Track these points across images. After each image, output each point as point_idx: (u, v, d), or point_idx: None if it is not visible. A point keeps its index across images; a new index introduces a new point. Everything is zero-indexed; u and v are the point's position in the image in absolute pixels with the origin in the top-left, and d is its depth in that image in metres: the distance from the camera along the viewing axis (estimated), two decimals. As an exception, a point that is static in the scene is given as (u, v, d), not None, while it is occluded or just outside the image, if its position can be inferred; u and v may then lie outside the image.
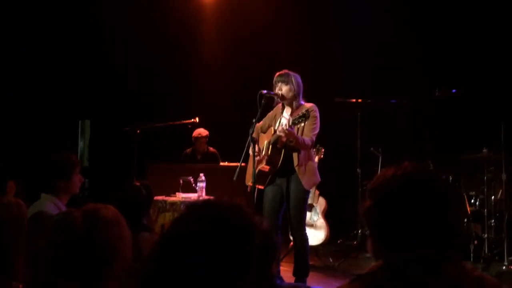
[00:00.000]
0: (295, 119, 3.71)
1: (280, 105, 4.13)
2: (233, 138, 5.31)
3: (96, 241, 1.53)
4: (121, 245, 1.58)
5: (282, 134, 3.71)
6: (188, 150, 6.46)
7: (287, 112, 4.06)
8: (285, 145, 3.88)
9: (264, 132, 4.18)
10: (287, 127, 3.69)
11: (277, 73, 4.04)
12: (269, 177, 4.00)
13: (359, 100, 5.86)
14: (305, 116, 3.67)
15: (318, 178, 4.06)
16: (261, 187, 4.02)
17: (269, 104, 4.14)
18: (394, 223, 1.26)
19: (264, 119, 4.18)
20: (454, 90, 5.38)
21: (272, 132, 4.00)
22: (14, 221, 1.79)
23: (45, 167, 2.67)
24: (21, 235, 1.82)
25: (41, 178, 2.66)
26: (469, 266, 1.31)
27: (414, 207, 1.25)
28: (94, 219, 1.56)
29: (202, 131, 6.34)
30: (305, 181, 3.91)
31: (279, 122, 4.05)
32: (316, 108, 3.93)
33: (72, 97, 7.63)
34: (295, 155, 3.91)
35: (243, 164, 3.93)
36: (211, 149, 6.43)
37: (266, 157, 3.98)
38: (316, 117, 3.90)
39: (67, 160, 2.71)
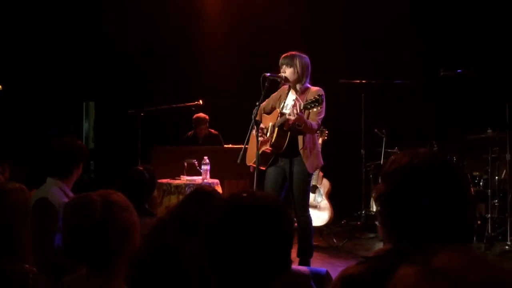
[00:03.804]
0: (307, 104, 3.67)
1: (286, 86, 4.11)
2: (237, 120, 5.31)
3: (111, 226, 1.57)
4: (132, 229, 1.62)
5: (291, 117, 3.67)
6: (190, 133, 6.44)
7: (292, 95, 4.05)
8: (291, 128, 3.88)
9: (268, 113, 4.16)
10: (298, 111, 3.64)
11: (283, 55, 4.00)
12: (272, 158, 4.01)
13: (363, 81, 5.84)
14: (318, 102, 3.63)
15: (321, 161, 4.09)
16: (263, 168, 4.02)
17: (273, 86, 4.12)
18: (409, 211, 1.24)
19: (267, 100, 4.16)
20: (459, 70, 5.34)
21: (278, 114, 3.97)
22: (20, 205, 1.82)
23: (61, 152, 2.68)
24: (26, 219, 1.85)
25: (57, 163, 2.66)
26: (477, 253, 1.31)
27: (430, 196, 1.23)
28: (110, 204, 1.59)
29: (201, 116, 6.31)
30: (309, 164, 3.92)
31: (284, 104, 4.04)
32: (323, 92, 3.90)
33: (77, 79, 7.64)
34: (300, 138, 3.92)
35: (246, 146, 3.94)
36: (212, 131, 6.41)
37: (271, 139, 3.97)
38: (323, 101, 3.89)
39: (80, 146, 2.77)
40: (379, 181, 1.33)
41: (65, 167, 2.64)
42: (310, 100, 3.69)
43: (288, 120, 3.76)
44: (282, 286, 1.20)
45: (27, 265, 1.67)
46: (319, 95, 3.66)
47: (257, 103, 3.95)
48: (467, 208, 1.27)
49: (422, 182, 1.25)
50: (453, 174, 1.28)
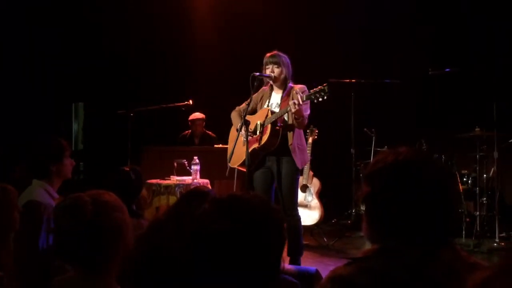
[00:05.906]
0: (312, 94, 3.60)
1: (266, 87, 4.10)
2: (226, 120, 5.30)
3: (103, 226, 1.56)
4: (124, 229, 1.61)
5: (293, 108, 3.61)
6: (187, 132, 6.43)
7: (276, 94, 4.05)
8: (284, 124, 3.87)
9: (252, 114, 4.13)
10: (300, 102, 3.59)
11: (268, 54, 4.00)
12: (260, 157, 4.00)
13: (353, 80, 5.85)
14: (324, 92, 3.55)
15: (308, 157, 4.14)
16: (242, 168, 3.98)
17: (261, 86, 4.13)
18: (395, 210, 1.25)
19: (247, 101, 4.13)
20: (447, 69, 5.38)
21: (267, 111, 3.96)
22: None
23: (36, 152, 2.65)
24: (6, 221, 1.79)
25: (33, 163, 2.63)
26: (464, 252, 1.31)
27: (415, 195, 1.24)
28: (102, 204, 1.59)
29: (198, 115, 6.30)
30: (298, 160, 3.93)
31: (268, 103, 4.03)
32: (306, 89, 3.93)
33: (66, 80, 7.58)
34: (290, 134, 3.92)
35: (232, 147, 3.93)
36: (210, 133, 6.40)
37: (260, 138, 3.94)
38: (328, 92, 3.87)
39: (57, 143, 2.68)
40: (363, 182, 1.33)
41: (41, 166, 2.59)
42: (314, 90, 3.61)
43: (289, 111, 3.69)
44: None
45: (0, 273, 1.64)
46: (325, 86, 3.58)
47: (246, 103, 3.95)
48: (449, 206, 1.28)
49: (410, 178, 1.26)
50: (439, 170, 1.30)
